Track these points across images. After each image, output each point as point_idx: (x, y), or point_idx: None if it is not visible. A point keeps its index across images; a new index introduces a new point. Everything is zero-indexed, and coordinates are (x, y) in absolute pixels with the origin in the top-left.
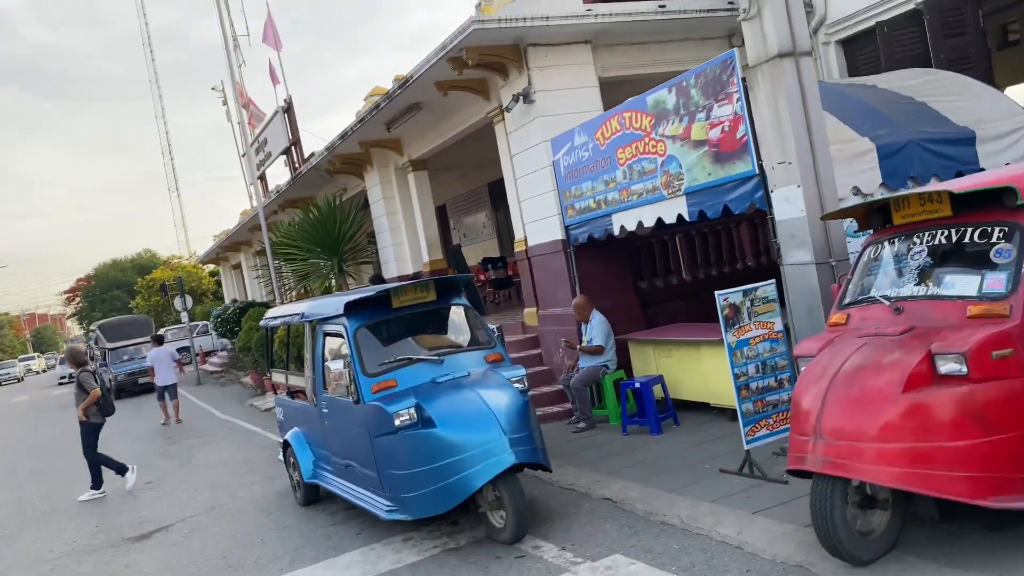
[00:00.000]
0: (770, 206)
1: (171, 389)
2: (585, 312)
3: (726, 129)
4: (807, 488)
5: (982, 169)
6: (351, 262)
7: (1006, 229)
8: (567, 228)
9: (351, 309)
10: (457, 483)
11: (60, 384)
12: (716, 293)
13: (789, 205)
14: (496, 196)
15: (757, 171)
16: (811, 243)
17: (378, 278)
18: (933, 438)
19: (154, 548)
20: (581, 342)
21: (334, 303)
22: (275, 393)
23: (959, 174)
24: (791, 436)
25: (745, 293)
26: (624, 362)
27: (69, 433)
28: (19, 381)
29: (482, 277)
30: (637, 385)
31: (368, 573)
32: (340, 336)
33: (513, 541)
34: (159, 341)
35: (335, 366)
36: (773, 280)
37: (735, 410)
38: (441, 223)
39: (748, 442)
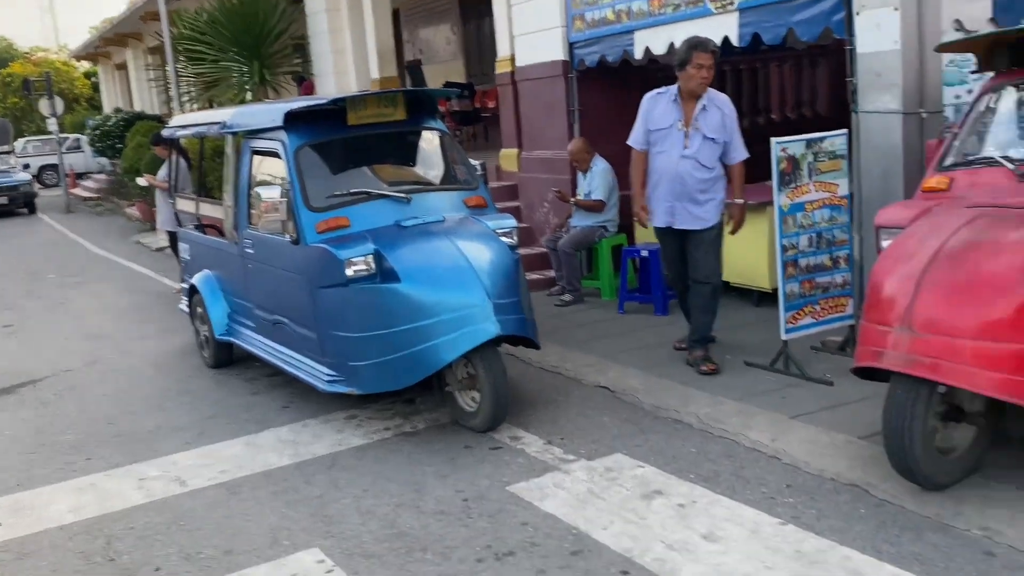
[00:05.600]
0: (851, 33)
1: None
2: (585, 158)
3: None
4: (859, 392)
5: None
6: (275, 70)
7: None
8: (572, 46)
9: (292, 121)
10: (423, 354)
11: None
12: (773, 140)
13: (879, 34)
14: (468, 2)
15: None
16: (902, 86)
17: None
18: None
19: (17, 406)
20: (576, 195)
21: (269, 111)
22: (179, 225)
23: None
24: (864, 326)
25: (809, 144)
26: (628, 225)
27: None
28: None
29: (441, 108)
30: (644, 254)
31: (301, 455)
32: (276, 156)
33: (487, 429)
34: None
35: (267, 195)
36: (845, 131)
37: (763, 293)
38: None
39: (787, 331)
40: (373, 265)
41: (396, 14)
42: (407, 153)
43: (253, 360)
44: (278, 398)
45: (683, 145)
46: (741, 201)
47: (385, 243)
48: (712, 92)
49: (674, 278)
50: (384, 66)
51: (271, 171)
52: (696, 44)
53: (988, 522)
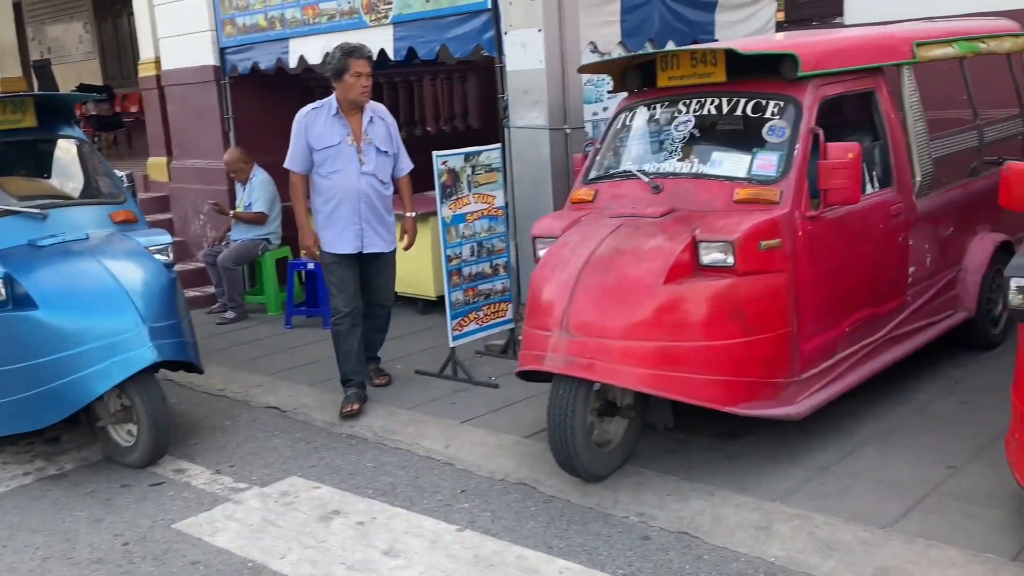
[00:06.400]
0: (501, 51)
1: None
2: (243, 168)
3: None
4: (522, 393)
5: (716, 40)
6: None
7: (781, 104)
8: (223, 51)
9: None
10: (69, 388)
11: None
12: (434, 154)
13: (525, 53)
14: None
15: (490, 4)
16: (547, 103)
17: None
18: (687, 336)
19: None
20: (235, 207)
21: None
22: None
23: (695, 42)
24: (526, 331)
25: (467, 157)
26: (291, 237)
27: None
28: None
29: (77, 112)
30: (310, 266)
31: None
32: None
33: (147, 464)
34: None
35: None
36: (499, 145)
37: (426, 301)
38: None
39: (455, 338)
40: (3, 291)
41: (18, 8)
42: (40, 164)
43: None
44: None
45: (359, 162)
46: (412, 214)
47: (17, 265)
48: (373, 103)
49: (348, 304)
50: (6, 65)
51: None
52: (350, 51)
53: (642, 507)
